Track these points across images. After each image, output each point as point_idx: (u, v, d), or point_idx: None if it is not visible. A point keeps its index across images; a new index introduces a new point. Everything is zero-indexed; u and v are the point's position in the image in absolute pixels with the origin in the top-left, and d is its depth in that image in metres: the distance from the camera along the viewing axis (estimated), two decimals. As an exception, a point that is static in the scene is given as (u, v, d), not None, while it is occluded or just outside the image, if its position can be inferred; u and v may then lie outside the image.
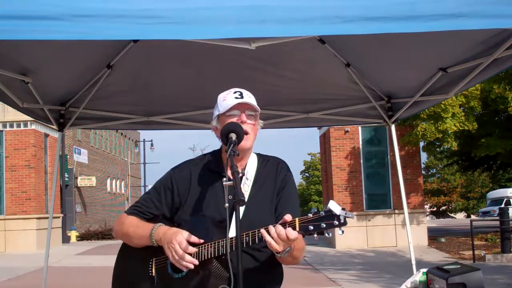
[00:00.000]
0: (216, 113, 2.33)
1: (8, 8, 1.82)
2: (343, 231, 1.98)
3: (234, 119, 2.25)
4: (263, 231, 2.01)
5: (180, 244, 2.13)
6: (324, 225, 1.95)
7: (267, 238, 1.99)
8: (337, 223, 1.95)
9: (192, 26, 1.89)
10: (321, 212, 1.97)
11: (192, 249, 2.14)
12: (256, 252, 2.26)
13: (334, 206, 1.95)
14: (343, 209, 1.96)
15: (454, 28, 1.93)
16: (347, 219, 1.95)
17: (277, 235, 1.98)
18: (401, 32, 1.92)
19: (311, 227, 1.97)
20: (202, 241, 2.16)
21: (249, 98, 2.30)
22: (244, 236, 2.08)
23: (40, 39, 1.86)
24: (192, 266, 2.13)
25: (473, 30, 2.80)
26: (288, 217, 2.00)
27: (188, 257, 2.13)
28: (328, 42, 3.92)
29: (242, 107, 2.27)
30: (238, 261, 1.97)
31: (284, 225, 2.00)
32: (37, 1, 1.86)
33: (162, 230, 2.24)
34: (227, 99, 2.29)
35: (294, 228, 1.98)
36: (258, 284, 2.25)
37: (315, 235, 2.01)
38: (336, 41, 3.87)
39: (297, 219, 1.99)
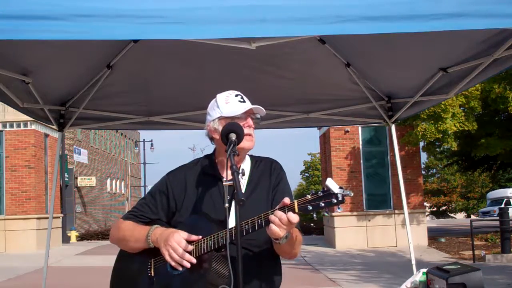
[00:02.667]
0: (216, 115, 2.31)
1: (8, 8, 1.82)
2: (341, 209, 2.01)
3: (241, 123, 2.25)
4: (271, 216, 2.02)
5: (179, 243, 2.15)
6: (323, 204, 1.97)
7: (272, 226, 2.01)
8: (335, 201, 1.96)
9: (192, 26, 1.89)
10: (319, 192, 1.99)
11: (190, 248, 2.16)
12: (255, 248, 2.27)
13: (332, 184, 1.97)
14: (340, 187, 1.97)
15: (454, 28, 1.94)
16: (345, 197, 1.97)
17: (278, 220, 2.00)
18: (401, 32, 1.92)
19: (310, 207, 1.99)
20: (200, 237, 2.17)
21: (248, 101, 2.33)
22: (244, 224, 2.09)
23: (40, 39, 1.86)
24: (188, 265, 2.14)
25: (473, 30, 2.80)
26: (286, 200, 2.03)
27: (187, 255, 2.14)
28: (328, 42, 3.92)
29: (249, 111, 2.30)
30: (238, 258, 1.98)
31: (283, 208, 2.02)
32: (37, 1, 1.85)
33: (159, 231, 2.25)
34: (230, 102, 2.29)
35: (293, 210, 2.00)
36: (257, 278, 2.27)
37: (314, 214, 2.03)
38: (336, 41, 3.87)
39: (295, 201, 2.02)
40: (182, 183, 2.37)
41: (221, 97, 2.34)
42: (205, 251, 2.16)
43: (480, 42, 3.33)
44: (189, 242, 2.17)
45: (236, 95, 2.32)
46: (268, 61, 4.05)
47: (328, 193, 1.97)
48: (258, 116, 2.33)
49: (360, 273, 12.70)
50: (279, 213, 2.00)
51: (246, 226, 2.08)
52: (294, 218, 1.99)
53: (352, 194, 2.09)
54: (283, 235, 2.03)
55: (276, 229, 2.01)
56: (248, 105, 2.28)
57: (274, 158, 2.49)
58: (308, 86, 4.56)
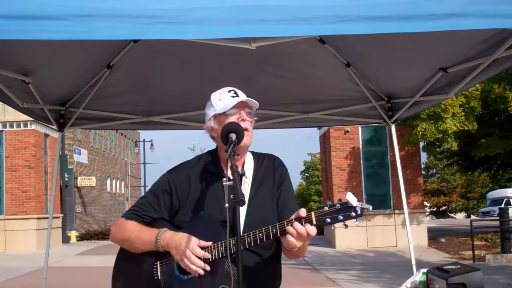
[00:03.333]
0: (211, 113, 2.32)
1: (8, 8, 1.82)
2: (358, 222, 2.04)
3: (234, 117, 2.25)
4: (289, 228, 2.02)
5: (194, 251, 2.14)
6: (342, 217, 1.99)
7: (290, 238, 2.01)
8: (354, 214, 1.99)
9: (192, 26, 1.88)
10: (336, 205, 2.01)
11: (203, 254, 2.15)
12: (262, 250, 2.26)
13: (351, 198, 2.00)
14: (358, 200, 2.00)
15: (454, 28, 1.93)
16: (363, 210, 1.99)
17: (297, 233, 2.00)
18: (401, 32, 1.92)
19: (329, 220, 2.00)
20: (210, 243, 2.16)
21: (243, 95, 2.32)
22: (251, 235, 2.09)
23: (40, 39, 1.85)
24: (202, 272, 2.14)
25: (473, 30, 2.80)
26: (302, 212, 2.03)
27: (202, 263, 2.14)
28: (328, 42, 3.92)
29: (242, 105, 2.27)
30: (238, 261, 1.98)
31: (299, 220, 2.02)
32: (37, 1, 1.85)
33: (168, 235, 2.23)
34: (223, 98, 2.29)
35: (310, 222, 2.01)
36: (263, 280, 2.28)
37: (332, 226, 2.04)
38: (336, 41, 3.87)
39: (313, 213, 2.02)
40: (186, 181, 2.35)
41: (215, 95, 2.34)
42: (216, 257, 2.15)
43: (480, 42, 3.33)
44: (201, 248, 2.17)
45: (229, 91, 2.31)
46: (268, 61, 4.04)
47: (347, 206, 1.99)
48: (254, 109, 2.31)
49: (360, 273, 12.70)
50: (299, 226, 2.01)
51: (260, 234, 2.08)
52: (313, 231, 2.00)
53: (371, 208, 2.10)
54: (300, 245, 2.05)
55: (294, 241, 2.02)
56: (238, 99, 2.26)
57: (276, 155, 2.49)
58: (308, 86, 4.56)
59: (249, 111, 2.30)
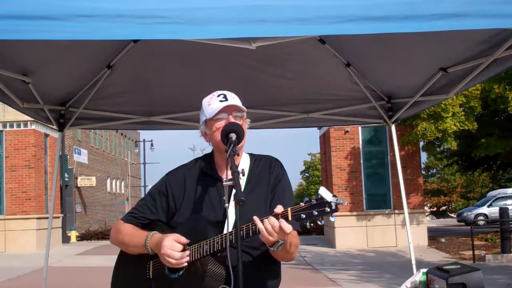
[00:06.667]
0: (203, 118, 2.34)
1: (8, 8, 1.82)
2: (335, 218, 1.99)
3: (222, 122, 2.25)
4: (255, 218, 2.01)
5: (172, 248, 2.15)
6: (316, 213, 1.96)
7: (260, 225, 1.99)
8: (328, 210, 1.95)
9: (192, 26, 1.89)
10: (312, 200, 1.98)
11: (179, 248, 2.16)
12: (253, 250, 2.26)
13: (325, 193, 1.96)
14: (334, 195, 1.96)
15: (454, 28, 1.93)
16: (338, 205, 1.96)
17: (271, 226, 1.98)
18: (401, 32, 1.92)
19: (303, 216, 1.97)
20: (188, 241, 2.17)
21: (233, 99, 2.30)
22: (233, 234, 2.09)
23: (40, 39, 1.86)
24: (184, 262, 2.15)
25: (473, 30, 2.80)
26: (279, 209, 2.00)
27: (183, 258, 2.15)
28: (328, 42, 3.92)
29: (228, 109, 2.27)
30: (238, 260, 1.98)
31: (276, 216, 2.00)
32: (37, 1, 1.85)
33: (156, 238, 2.26)
34: (212, 103, 2.29)
35: (286, 218, 1.98)
36: (255, 281, 2.26)
37: (307, 224, 2.01)
38: (336, 41, 3.87)
39: (289, 209, 2.00)
40: (181, 183, 2.37)
41: (205, 100, 2.34)
42: (201, 256, 2.16)
43: (480, 42, 3.33)
44: (181, 242, 2.18)
45: (219, 95, 2.31)
46: (268, 61, 4.04)
47: (322, 202, 1.96)
48: (239, 114, 2.29)
49: (360, 273, 12.71)
50: (272, 219, 1.99)
51: (241, 232, 2.07)
52: (288, 227, 1.97)
53: (346, 203, 2.07)
54: (273, 240, 2.01)
55: (267, 235, 1.99)
56: (225, 103, 2.26)
57: (275, 157, 2.47)
58: (308, 86, 4.56)
59: (239, 115, 2.29)
